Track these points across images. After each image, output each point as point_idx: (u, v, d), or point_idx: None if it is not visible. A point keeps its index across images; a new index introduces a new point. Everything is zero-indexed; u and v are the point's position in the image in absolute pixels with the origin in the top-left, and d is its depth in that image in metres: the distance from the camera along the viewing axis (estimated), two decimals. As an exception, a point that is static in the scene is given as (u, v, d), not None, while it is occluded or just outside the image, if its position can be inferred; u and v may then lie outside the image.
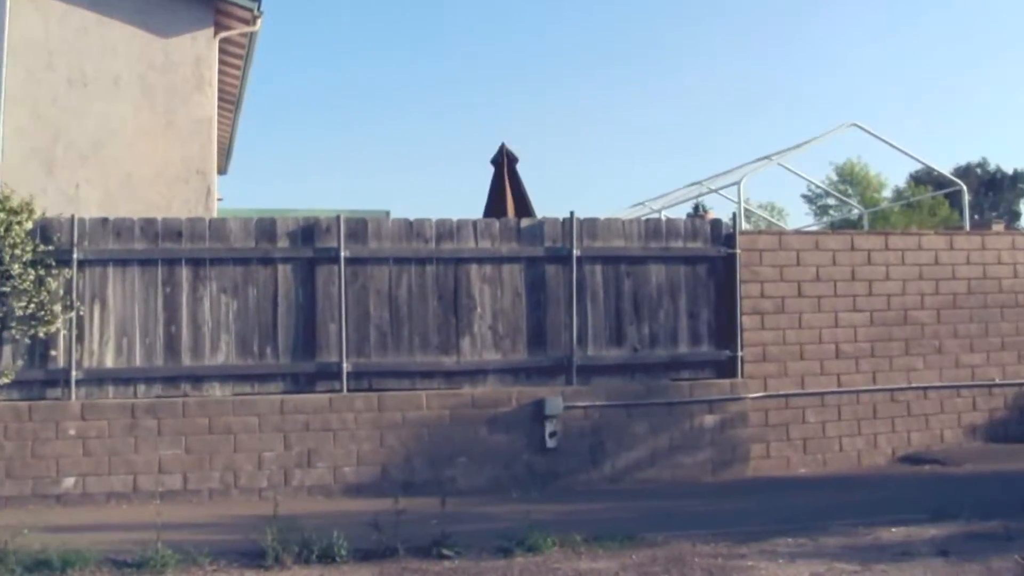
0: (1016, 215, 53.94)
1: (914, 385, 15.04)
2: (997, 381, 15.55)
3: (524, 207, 16.23)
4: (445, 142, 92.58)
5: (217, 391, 12.59)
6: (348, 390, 12.78)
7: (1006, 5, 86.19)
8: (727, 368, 14.10)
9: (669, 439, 13.64)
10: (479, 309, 13.32)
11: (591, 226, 13.77)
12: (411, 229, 13.21)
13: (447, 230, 13.30)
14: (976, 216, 39.08)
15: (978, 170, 57.22)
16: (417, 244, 13.18)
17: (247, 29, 17.19)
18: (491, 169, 16.72)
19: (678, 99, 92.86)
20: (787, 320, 14.49)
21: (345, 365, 12.78)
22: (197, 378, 12.58)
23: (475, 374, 13.27)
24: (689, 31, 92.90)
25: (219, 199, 19.16)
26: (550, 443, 13.10)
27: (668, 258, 14.00)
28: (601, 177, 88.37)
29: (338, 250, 12.86)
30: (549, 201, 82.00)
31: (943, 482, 12.87)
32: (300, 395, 12.70)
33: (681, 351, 13.99)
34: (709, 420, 13.82)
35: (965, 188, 19.29)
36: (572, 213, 13.62)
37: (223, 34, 16.98)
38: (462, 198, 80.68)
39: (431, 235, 13.24)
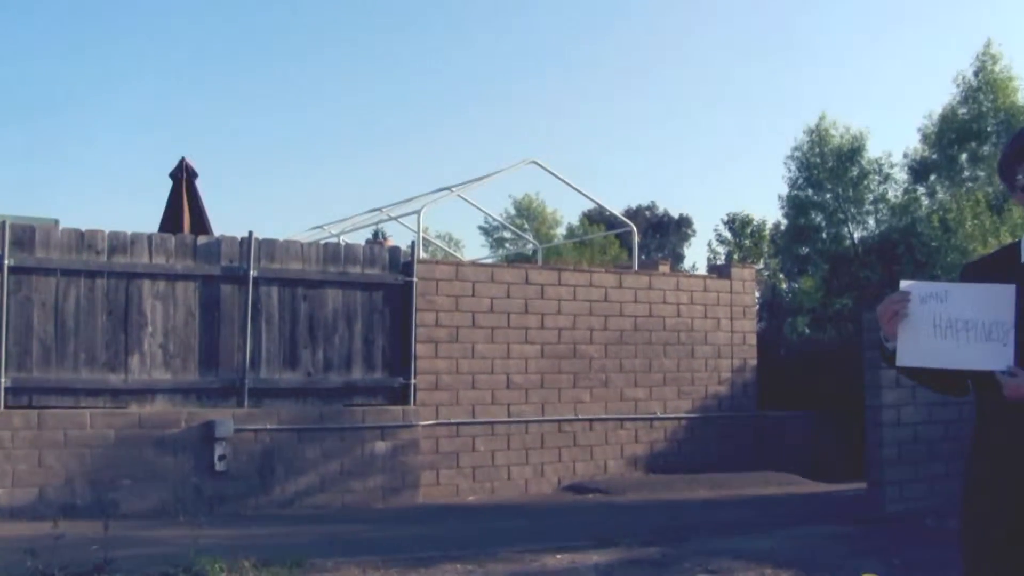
0: (680, 257, 56.48)
1: (581, 417, 15.52)
2: (658, 415, 16.24)
3: (201, 224, 15.83)
4: (121, 152, 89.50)
5: None
6: (6, 406, 12.10)
7: (668, 61, 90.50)
8: (400, 395, 14.17)
9: (341, 465, 13.58)
10: (150, 327, 12.91)
11: (269, 247, 13.60)
12: (82, 240, 12.67)
13: (120, 243, 12.82)
14: (644, 256, 40.71)
15: (647, 212, 59.64)
16: (88, 256, 12.65)
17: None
18: (169, 183, 16.24)
19: (362, 124, 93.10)
20: (461, 350, 14.70)
21: (3, 380, 12.10)
22: None
23: (144, 393, 12.84)
24: (373, 53, 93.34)
25: None
26: (220, 466, 12.80)
27: (346, 283, 13.97)
28: (280, 198, 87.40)
29: (1, 258, 12.18)
30: (227, 219, 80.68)
31: (606, 510, 13.31)
32: (-48, 411, 11.94)
33: (355, 377, 13.96)
34: (381, 447, 13.83)
35: (635, 229, 20.02)
36: (251, 233, 13.42)
37: None
38: (137, 211, 77.94)
39: (103, 247, 12.74)
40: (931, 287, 3.67)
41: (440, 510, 13.41)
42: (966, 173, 26.99)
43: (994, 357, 3.54)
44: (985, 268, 3.85)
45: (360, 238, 22.51)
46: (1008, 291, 3.58)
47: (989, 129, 25.99)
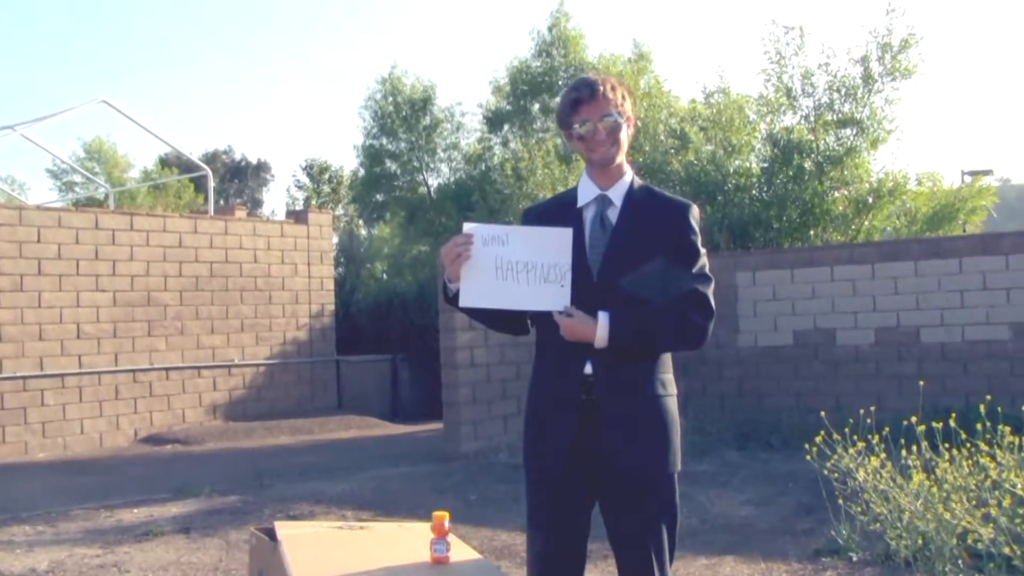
0: (259, 203, 55.89)
1: (156, 366, 15.16)
2: (236, 362, 16.09)
3: None
4: None
5: None
6: None
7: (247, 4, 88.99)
8: (-40, 349, 13.36)
9: None
10: None
11: None
12: None
13: None
14: (222, 202, 40.00)
15: (224, 157, 58.54)
16: None
17: None
18: None
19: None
20: (26, 299, 14.01)
21: None
22: None
23: None
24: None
25: None
26: None
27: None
28: None
29: None
30: None
31: (185, 461, 13.08)
32: None
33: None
34: (-61, 404, 13.01)
35: (211, 173, 19.66)
36: None
37: None
38: None
39: None
40: (493, 230, 3.75)
41: (7, 470, 12.71)
42: (538, 124, 27.91)
43: (552, 298, 3.68)
44: (545, 212, 3.97)
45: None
46: (565, 234, 3.73)
47: (560, 83, 26.94)
